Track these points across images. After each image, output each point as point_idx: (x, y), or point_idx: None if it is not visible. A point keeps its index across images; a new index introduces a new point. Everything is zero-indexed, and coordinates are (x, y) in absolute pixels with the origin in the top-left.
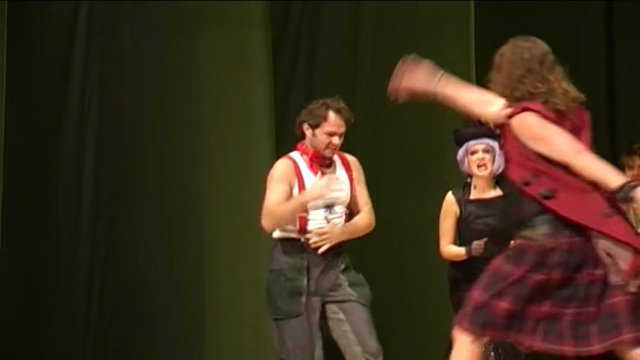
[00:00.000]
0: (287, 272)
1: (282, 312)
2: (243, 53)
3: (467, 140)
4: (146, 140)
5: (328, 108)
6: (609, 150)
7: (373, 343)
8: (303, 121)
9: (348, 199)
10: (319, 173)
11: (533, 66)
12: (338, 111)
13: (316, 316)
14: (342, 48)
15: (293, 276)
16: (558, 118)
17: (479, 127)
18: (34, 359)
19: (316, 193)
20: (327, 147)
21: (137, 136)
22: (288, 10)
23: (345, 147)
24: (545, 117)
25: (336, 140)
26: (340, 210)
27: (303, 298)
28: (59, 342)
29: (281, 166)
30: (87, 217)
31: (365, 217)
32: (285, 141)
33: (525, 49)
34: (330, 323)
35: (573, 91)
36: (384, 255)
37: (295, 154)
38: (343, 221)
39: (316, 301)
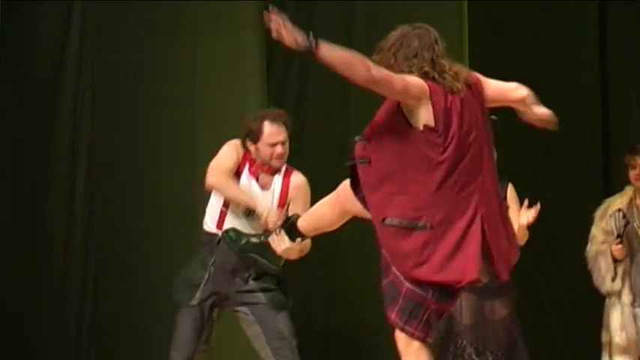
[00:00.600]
0: (192, 263)
1: (175, 299)
2: (237, 54)
3: None
4: (140, 141)
5: (263, 119)
6: (603, 149)
7: (282, 327)
8: (244, 138)
9: (274, 212)
10: (255, 180)
11: (423, 52)
12: (273, 119)
13: (208, 311)
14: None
15: (195, 268)
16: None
17: None
18: None
19: (263, 210)
20: (272, 158)
21: (130, 136)
22: (282, 10)
23: (339, 148)
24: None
25: (279, 149)
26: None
27: (198, 293)
28: (52, 346)
29: (237, 147)
30: (80, 218)
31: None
32: None
33: (415, 36)
34: (243, 324)
35: (464, 73)
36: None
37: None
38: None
39: (214, 298)
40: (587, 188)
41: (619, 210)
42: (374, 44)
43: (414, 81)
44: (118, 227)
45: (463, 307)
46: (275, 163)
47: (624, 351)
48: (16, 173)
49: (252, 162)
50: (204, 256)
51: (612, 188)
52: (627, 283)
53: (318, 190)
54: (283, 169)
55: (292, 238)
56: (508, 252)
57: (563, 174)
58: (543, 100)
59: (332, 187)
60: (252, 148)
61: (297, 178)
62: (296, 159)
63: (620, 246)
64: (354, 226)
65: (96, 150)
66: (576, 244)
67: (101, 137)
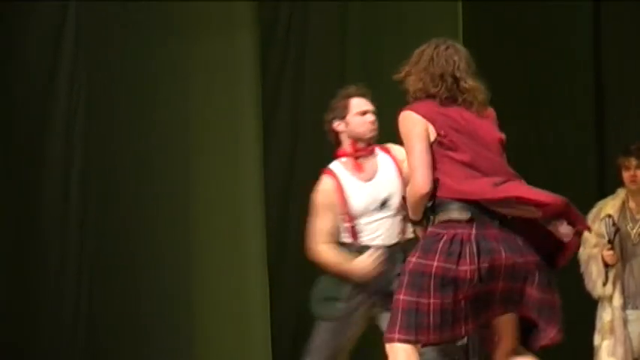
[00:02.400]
0: (328, 277)
1: (317, 314)
2: (232, 55)
3: None
4: (134, 141)
5: (348, 95)
6: (597, 150)
7: None
8: (331, 120)
9: (401, 185)
10: (361, 182)
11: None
12: (356, 92)
13: (355, 318)
14: (330, 49)
15: (334, 281)
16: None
17: None
18: None
19: (362, 273)
20: (364, 128)
21: (125, 136)
22: (276, 10)
23: (333, 148)
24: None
25: (369, 117)
26: (395, 200)
27: (343, 305)
28: (47, 347)
29: (324, 189)
30: (74, 218)
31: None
32: (273, 143)
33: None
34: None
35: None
36: None
37: (335, 165)
38: (396, 212)
39: (362, 305)
40: (582, 189)
41: (609, 216)
42: (368, 45)
43: (414, 135)
44: (112, 228)
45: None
46: (368, 132)
47: (613, 354)
48: (10, 173)
49: (350, 154)
50: None
51: (607, 189)
52: (618, 287)
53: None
54: (378, 150)
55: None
56: None
57: (558, 175)
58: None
59: None
60: (340, 126)
61: (389, 145)
62: (292, 160)
63: (611, 252)
64: None
65: (90, 151)
66: None
67: (95, 138)
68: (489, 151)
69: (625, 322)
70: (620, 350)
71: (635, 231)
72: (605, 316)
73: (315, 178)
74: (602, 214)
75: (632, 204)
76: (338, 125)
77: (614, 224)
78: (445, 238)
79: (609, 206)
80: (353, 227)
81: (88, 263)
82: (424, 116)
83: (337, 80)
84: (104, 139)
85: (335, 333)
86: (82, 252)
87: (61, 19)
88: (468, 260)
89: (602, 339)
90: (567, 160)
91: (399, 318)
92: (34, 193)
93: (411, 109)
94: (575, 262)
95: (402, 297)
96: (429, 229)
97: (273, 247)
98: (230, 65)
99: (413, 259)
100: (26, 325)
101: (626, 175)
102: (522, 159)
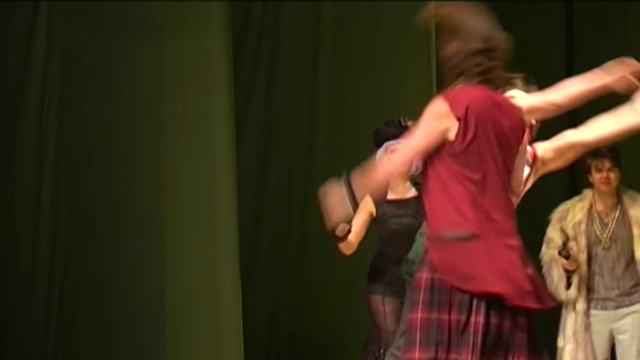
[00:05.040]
0: None
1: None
2: (204, 55)
3: (386, 140)
4: (107, 141)
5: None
6: None
7: None
8: None
9: None
10: None
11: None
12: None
13: None
14: (302, 50)
15: None
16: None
17: (398, 128)
18: None
19: None
20: None
21: (98, 137)
22: (248, 12)
23: (307, 150)
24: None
25: None
26: None
27: None
28: (19, 343)
29: None
30: (47, 219)
31: None
32: (246, 144)
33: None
34: None
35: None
36: None
37: None
38: None
39: None
40: (553, 189)
41: (580, 222)
42: (341, 46)
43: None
44: (85, 227)
45: (387, 312)
46: None
47: (575, 359)
48: None
49: None
50: None
51: (579, 189)
52: (583, 292)
53: (287, 191)
54: None
55: None
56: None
57: None
58: None
59: (299, 188)
60: None
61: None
62: (264, 160)
63: (565, 261)
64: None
65: (63, 150)
66: (539, 248)
67: (68, 138)
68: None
69: (587, 327)
70: (581, 355)
71: (605, 235)
72: (569, 320)
73: (286, 177)
74: (570, 217)
75: (599, 206)
76: None
77: (565, 233)
78: None
79: (577, 208)
80: None
81: (60, 264)
82: None
83: (309, 81)
84: (76, 139)
85: None
86: (54, 252)
87: (33, 19)
88: None
89: (565, 343)
90: None
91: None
92: (4, 191)
93: None
94: (538, 263)
95: None
96: None
97: (246, 243)
98: (203, 66)
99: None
100: None
101: (597, 177)
102: None
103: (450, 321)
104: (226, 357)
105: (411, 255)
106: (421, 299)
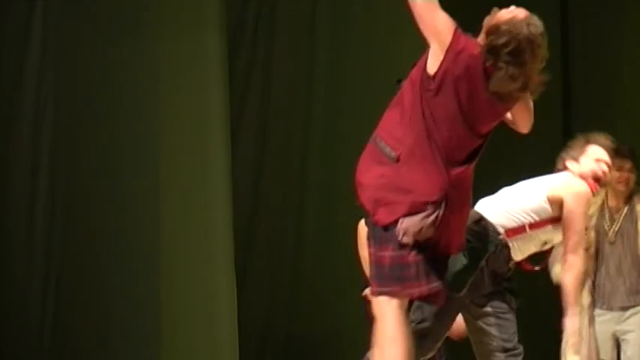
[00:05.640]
0: None
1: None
2: (199, 53)
3: None
4: (102, 140)
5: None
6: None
7: None
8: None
9: None
10: None
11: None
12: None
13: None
14: (298, 48)
15: None
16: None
17: None
18: None
19: None
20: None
21: (93, 136)
22: (243, 11)
23: (303, 147)
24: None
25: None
26: None
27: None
28: (14, 344)
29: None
30: (42, 218)
31: None
32: (242, 142)
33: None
34: None
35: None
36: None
37: None
38: None
39: None
40: None
41: (591, 217)
42: (337, 44)
43: (443, 21)
44: (80, 227)
45: None
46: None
47: (576, 352)
48: None
49: None
50: None
51: None
52: (587, 286)
53: (282, 189)
54: None
55: None
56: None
57: (525, 170)
58: None
59: (295, 187)
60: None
61: None
62: (260, 160)
63: None
64: (319, 228)
65: (58, 149)
66: None
67: (63, 137)
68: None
69: (591, 321)
70: (584, 349)
71: (612, 229)
72: None
73: (281, 180)
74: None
75: (612, 203)
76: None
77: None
78: None
79: (591, 203)
80: None
81: (55, 263)
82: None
83: (305, 79)
84: (72, 139)
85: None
86: (50, 252)
87: (28, 18)
88: None
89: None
90: (535, 156)
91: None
92: (0, 190)
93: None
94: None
95: None
96: None
97: (242, 242)
98: (198, 65)
99: None
100: None
101: (617, 176)
102: (490, 155)
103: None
104: (221, 356)
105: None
106: None
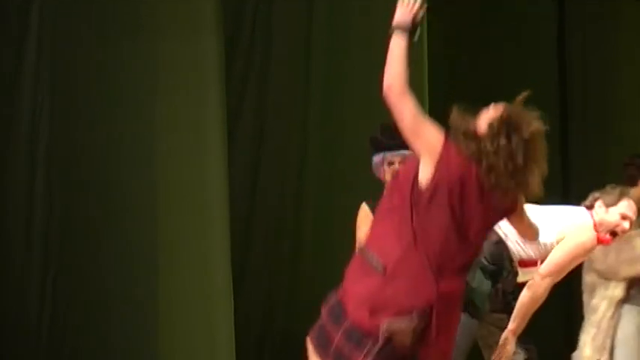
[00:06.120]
0: None
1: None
2: (196, 56)
3: (384, 149)
4: (99, 141)
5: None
6: (561, 150)
7: None
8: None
9: None
10: None
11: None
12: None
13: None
14: (295, 50)
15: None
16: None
17: (396, 138)
18: None
19: None
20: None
21: (90, 137)
22: (240, 12)
23: (299, 151)
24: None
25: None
26: None
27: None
28: (11, 344)
29: None
30: (40, 218)
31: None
32: (239, 144)
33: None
34: None
35: None
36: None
37: None
38: None
39: None
40: (546, 189)
41: None
42: (333, 45)
43: (432, 133)
44: (77, 228)
45: None
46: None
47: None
48: None
49: None
50: None
51: (571, 189)
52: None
53: (279, 190)
54: None
55: None
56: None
57: None
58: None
59: (292, 188)
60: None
61: None
62: (256, 162)
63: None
64: (316, 229)
65: (55, 150)
66: None
67: (60, 137)
68: None
69: (614, 314)
70: (599, 339)
71: None
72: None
73: (279, 181)
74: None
75: None
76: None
77: None
78: None
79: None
80: None
81: (53, 264)
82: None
83: (302, 82)
84: (69, 139)
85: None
86: (47, 252)
87: (25, 17)
88: None
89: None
90: None
91: None
92: None
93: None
94: None
95: None
96: None
97: (239, 241)
98: (195, 67)
99: None
100: None
101: (637, 192)
102: None
103: None
104: (219, 354)
105: (476, 284)
106: None
